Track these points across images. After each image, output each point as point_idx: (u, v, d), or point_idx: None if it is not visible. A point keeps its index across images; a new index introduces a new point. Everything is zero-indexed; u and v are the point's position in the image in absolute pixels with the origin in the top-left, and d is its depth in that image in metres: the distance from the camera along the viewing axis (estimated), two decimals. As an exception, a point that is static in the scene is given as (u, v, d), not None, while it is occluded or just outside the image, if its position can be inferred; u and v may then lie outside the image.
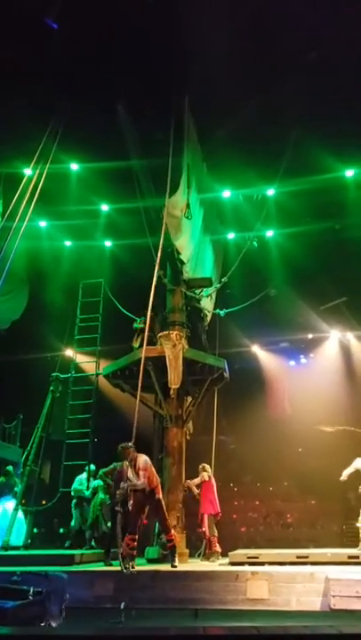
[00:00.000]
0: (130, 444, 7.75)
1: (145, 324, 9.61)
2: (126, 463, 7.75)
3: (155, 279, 8.87)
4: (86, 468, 10.86)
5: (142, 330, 9.80)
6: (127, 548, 7.24)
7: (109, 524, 9.27)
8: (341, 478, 9.80)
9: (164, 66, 9.02)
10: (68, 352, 13.72)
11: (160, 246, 8.91)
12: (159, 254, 8.86)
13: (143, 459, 7.69)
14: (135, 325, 10.87)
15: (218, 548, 9.27)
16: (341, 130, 9.91)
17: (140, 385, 8.51)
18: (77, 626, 4.68)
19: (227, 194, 11.53)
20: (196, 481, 9.66)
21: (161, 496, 7.93)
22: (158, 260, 8.91)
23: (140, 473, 7.51)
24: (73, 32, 8.79)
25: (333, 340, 16.09)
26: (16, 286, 12.19)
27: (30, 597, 4.23)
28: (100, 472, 9.53)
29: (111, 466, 8.87)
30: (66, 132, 9.35)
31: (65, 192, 11.14)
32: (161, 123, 9.61)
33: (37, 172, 9.15)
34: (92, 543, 10.25)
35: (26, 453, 11.98)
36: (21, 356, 14.67)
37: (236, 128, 9.74)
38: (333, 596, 6.20)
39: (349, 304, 14.69)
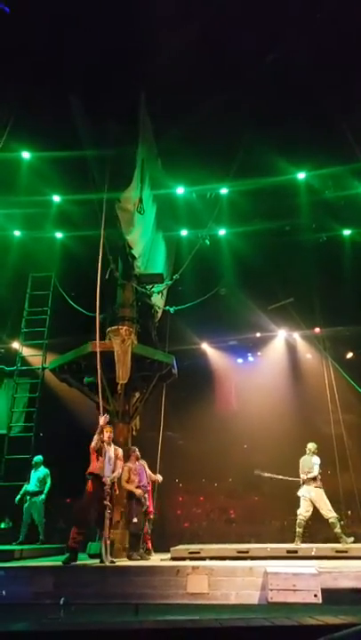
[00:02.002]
0: None
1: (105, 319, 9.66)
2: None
3: (106, 274, 8.83)
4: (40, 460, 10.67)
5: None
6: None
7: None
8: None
9: (120, 60, 8.93)
10: (14, 344, 13.38)
11: (101, 240, 8.82)
12: (101, 246, 8.82)
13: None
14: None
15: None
16: (295, 133, 10.15)
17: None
18: (13, 622, 4.58)
19: (180, 190, 11.57)
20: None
21: None
22: (102, 254, 8.88)
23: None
24: (27, 18, 8.57)
25: (280, 339, 16.49)
26: None
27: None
28: None
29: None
30: (18, 119, 9.11)
31: (15, 181, 10.85)
32: (116, 116, 9.54)
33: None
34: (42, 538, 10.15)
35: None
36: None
37: (192, 126, 9.78)
38: (271, 590, 6.36)
39: (296, 305, 15.08)
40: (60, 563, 7.30)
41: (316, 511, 9.46)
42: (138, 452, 9.44)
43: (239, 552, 7.94)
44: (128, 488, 8.71)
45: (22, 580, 6.44)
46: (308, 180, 11.22)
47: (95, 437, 7.98)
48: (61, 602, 5.96)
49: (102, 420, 8.12)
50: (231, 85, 9.42)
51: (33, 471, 10.59)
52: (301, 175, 11.13)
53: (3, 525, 12.34)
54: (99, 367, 8.73)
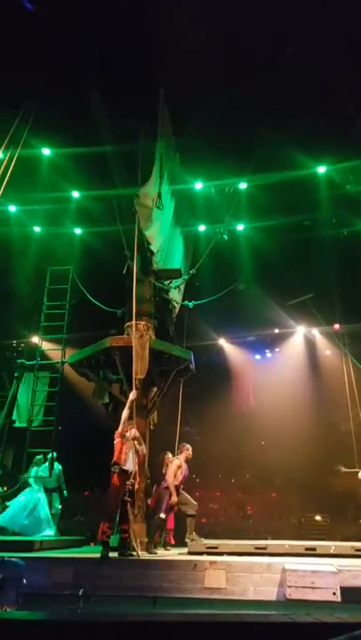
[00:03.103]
0: None
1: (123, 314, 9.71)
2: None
3: (124, 269, 8.83)
4: (49, 456, 10.78)
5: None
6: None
7: None
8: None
9: (140, 54, 8.92)
10: (35, 339, 13.52)
11: (135, 237, 8.86)
12: (135, 245, 8.81)
13: None
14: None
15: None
16: (314, 126, 10.02)
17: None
18: (34, 611, 4.65)
19: (199, 185, 11.54)
20: None
21: None
22: (135, 250, 8.87)
23: None
24: (47, 14, 8.62)
25: (299, 336, 16.37)
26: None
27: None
28: None
29: None
30: (39, 116, 9.17)
31: (36, 177, 10.94)
32: (135, 111, 9.54)
33: (8, 155, 8.95)
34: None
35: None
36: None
37: (211, 120, 9.74)
38: (289, 587, 6.33)
39: (315, 301, 14.95)
40: (78, 554, 7.39)
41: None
42: (190, 451, 9.50)
43: (257, 548, 7.91)
44: (172, 483, 8.79)
45: (42, 570, 6.52)
46: (329, 173, 11.06)
47: (125, 412, 8.11)
48: (80, 593, 6.03)
49: (133, 394, 8.34)
50: (249, 79, 9.33)
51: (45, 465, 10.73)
52: (322, 169, 10.99)
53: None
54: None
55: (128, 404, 8.26)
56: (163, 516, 8.72)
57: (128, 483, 7.71)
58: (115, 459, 7.80)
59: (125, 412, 8.16)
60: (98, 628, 3.50)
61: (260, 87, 9.36)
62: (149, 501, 9.57)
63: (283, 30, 8.98)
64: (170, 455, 9.71)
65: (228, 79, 9.43)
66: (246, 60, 9.26)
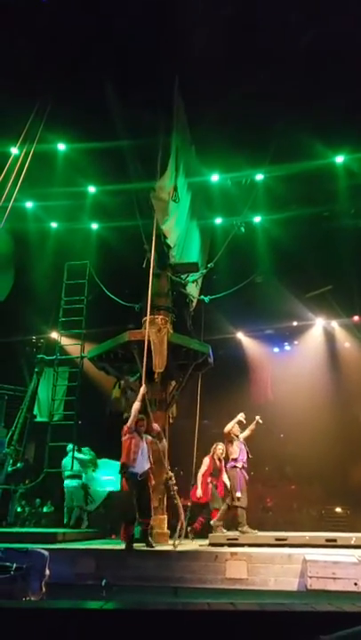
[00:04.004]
0: None
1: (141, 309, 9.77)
2: None
3: (144, 263, 8.82)
4: (68, 448, 10.92)
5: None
6: None
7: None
8: None
9: (153, 44, 8.88)
10: (54, 334, 13.66)
11: (154, 230, 8.87)
12: (153, 238, 8.83)
13: None
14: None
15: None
16: (332, 115, 9.88)
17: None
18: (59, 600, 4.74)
19: (215, 178, 11.48)
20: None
21: None
22: (154, 245, 8.87)
23: None
24: (60, 7, 8.62)
25: (318, 328, 16.23)
26: (1, 268, 12.07)
27: (11, 573, 4.28)
28: None
29: None
30: (53, 111, 9.20)
31: (52, 173, 11.00)
32: (150, 103, 9.51)
33: (24, 151, 9.01)
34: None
35: (10, 433, 11.99)
36: (6, 338, 14.59)
37: (226, 111, 9.66)
38: (310, 577, 6.35)
39: (335, 292, 14.80)
40: (100, 546, 7.49)
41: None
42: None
43: (277, 539, 7.93)
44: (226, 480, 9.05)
45: (65, 561, 6.63)
46: (347, 163, 10.92)
47: (135, 405, 8.12)
48: (103, 583, 6.12)
49: (143, 388, 8.40)
50: (266, 68, 9.23)
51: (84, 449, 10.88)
52: (340, 159, 10.85)
53: (45, 509, 12.74)
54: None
55: (139, 398, 8.27)
56: (239, 494, 8.80)
57: (167, 476, 7.74)
58: (123, 459, 7.77)
59: (136, 405, 8.15)
60: (121, 616, 3.55)
61: (277, 76, 9.25)
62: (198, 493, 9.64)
63: (300, 17, 8.84)
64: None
65: (244, 69, 9.33)
66: (263, 49, 9.13)
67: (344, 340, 16.10)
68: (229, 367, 15.22)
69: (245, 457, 9.19)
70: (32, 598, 4.53)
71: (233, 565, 6.67)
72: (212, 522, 9.15)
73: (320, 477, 15.81)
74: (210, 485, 9.60)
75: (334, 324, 15.98)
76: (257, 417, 9.63)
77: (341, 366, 15.74)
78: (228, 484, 9.30)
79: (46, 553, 4.99)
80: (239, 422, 9.37)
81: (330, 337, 16.18)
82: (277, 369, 16.84)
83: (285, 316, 15.84)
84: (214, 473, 9.70)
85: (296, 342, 17.10)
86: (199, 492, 9.57)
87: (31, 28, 8.81)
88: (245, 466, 9.22)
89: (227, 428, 9.22)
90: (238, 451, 9.10)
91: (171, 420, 10.56)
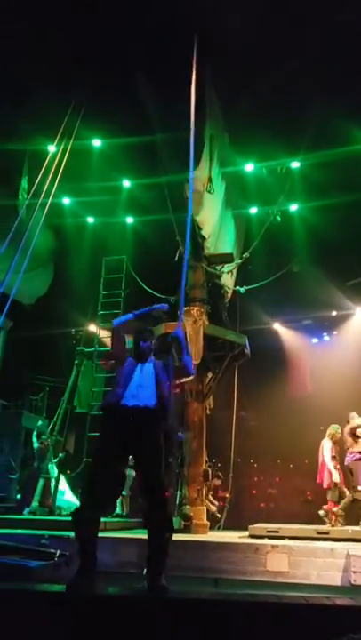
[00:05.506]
0: None
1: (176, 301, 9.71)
2: None
3: (176, 256, 8.77)
4: None
5: None
6: None
7: None
8: None
9: (185, 33, 8.75)
10: (92, 327, 13.89)
11: (188, 223, 8.79)
12: (188, 231, 8.75)
13: None
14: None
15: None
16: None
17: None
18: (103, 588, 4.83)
19: (250, 167, 11.32)
20: None
21: None
22: (188, 239, 8.80)
23: None
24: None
25: (359, 317, 15.83)
26: (41, 263, 12.34)
27: (55, 559, 4.38)
28: None
29: None
30: (89, 106, 9.26)
31: (88, 168, 11.11)
32: (182, 93, 9.41)
33: (61, 148, 9.11)
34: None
35: (52, 424, 12.29)
36: (47, 331, 14.94)
37: (260, 97, 9.48)
38: (354, 572, 6.22)
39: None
40: (142, 535, 7.54)
41: None
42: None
43: (319, 533, 7.83)
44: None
45: (107, 549, 6.72)
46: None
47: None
48: (144, 572, 6.17)
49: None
50: (301, 52, 8.99)
51: None
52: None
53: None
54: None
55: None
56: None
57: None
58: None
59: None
60: (165, 605, 3.58)
61: (313, 58, 9.00)
62: None
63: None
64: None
65: (278, 53, 9.11)
66: (298, 31, 8.89)
67: (385, 330, 15.68)
68: (267, 358, 15.07)
69: None
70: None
71: (274, 558, 6.61)
72: (320, 512, 9.08)
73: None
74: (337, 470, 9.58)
75: (376, 313, 15.57)
76: None
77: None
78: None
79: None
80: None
81: (371, 326, 15.78)
82: (316, 360, 16.57)
83: (324, 305, 15.51)
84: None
85: (335, 332, 16.75)
86: (336, 476, 9.53)
87: (66, 24, 8.85)
88: None
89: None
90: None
91: (208, 412, 10.55)
